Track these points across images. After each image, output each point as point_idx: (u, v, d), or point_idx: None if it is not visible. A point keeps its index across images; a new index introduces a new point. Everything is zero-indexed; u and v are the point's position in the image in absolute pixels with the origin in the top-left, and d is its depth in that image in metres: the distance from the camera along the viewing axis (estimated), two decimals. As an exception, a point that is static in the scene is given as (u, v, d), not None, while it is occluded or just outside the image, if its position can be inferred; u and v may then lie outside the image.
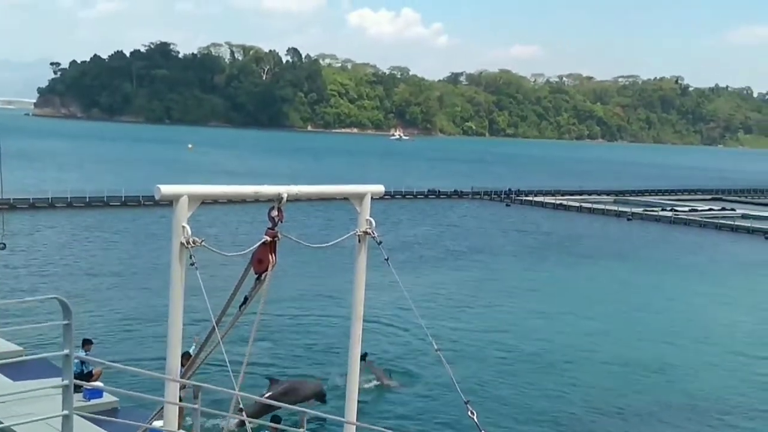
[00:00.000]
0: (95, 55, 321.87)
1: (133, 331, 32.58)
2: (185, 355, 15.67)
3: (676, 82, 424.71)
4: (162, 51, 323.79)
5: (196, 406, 9.54)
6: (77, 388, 14.60)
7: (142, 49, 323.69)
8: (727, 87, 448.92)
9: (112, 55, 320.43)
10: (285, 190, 11.19)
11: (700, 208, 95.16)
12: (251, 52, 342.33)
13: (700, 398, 28.66)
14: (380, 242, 12.56)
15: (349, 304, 13.23)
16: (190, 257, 10.20)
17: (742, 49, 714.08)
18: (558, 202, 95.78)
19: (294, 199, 11.40)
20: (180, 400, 11.85)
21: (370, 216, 12.71)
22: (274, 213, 11.09)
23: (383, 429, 12.22)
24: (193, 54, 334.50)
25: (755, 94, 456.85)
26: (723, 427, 26.23)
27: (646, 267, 56.13)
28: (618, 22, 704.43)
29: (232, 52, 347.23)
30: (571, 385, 29.29)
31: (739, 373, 31.97)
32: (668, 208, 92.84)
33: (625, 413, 26.76)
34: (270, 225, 11.11)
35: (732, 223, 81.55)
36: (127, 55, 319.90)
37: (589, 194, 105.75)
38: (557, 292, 46.62)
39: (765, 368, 32.79)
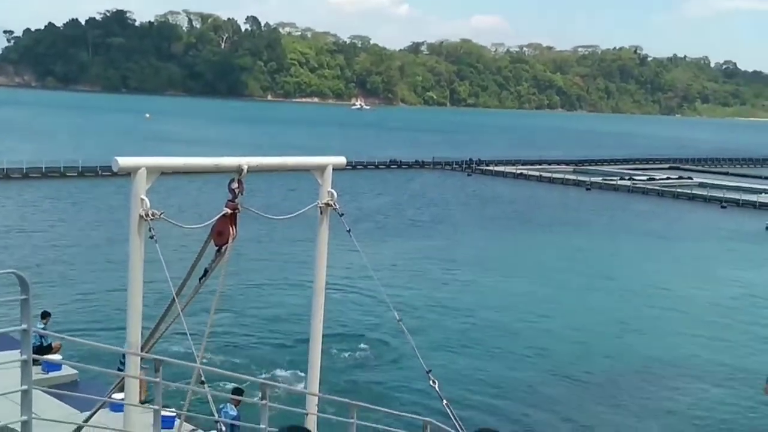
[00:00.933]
0: (50, 23, 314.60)
1: (93, 303, 32.28)
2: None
3: (635, 52, 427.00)
4: (118, 19, 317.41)
5: (157, 379, 9.48)
6: (36, 361, 14.45)
7: (98, 17, 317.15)
8: (684, 57, 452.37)
9: (67, 23, 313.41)
10: (245, 161, 11.10)
11: (658, 177, 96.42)
12: (209, 20, 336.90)
13: (656, 362, 29.24)
14: (342, 214, 12.54)
15: (312, 275, 13.21)
16: (150, 230, 10.10)
17: (699, 21, 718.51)
18: (518, 171, 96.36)
19: (254, 171, 11.31)
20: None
21: (332, 188, 12.67)
22: (234, 185, 11.02)
23: (346, 400, 12.27)
24: (150, 22, 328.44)
25: (712, 64, 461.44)
26: (679, 389, 26.80)
27: (605, 236, 56.85)
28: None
29: (190, 20, 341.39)
30: (532, 351, 29.69)
31: (693, 338, 32.65)
32: (626, 178, 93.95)
33: (585, 378, 27.21)
34: (230, 197, 11.03)
35: (689, 191, 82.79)
36: (83, 23, 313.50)
37: (549, 164, 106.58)
38: (518, 261, 47.06)
39: (719, 332, 33.50)
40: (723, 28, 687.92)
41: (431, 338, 29.77)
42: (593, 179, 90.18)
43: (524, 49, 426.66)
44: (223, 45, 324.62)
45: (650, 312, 36.42)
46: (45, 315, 21.55)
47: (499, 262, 46.01)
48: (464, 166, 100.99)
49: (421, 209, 65.57)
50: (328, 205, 12.64)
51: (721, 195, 78.47)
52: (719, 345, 31.98)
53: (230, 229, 11.03)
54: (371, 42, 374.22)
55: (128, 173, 10.17)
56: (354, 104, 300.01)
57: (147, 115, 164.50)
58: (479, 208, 68.18)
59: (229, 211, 11.00)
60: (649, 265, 47.63)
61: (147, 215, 10.04)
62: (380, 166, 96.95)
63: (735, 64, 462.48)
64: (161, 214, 10.17)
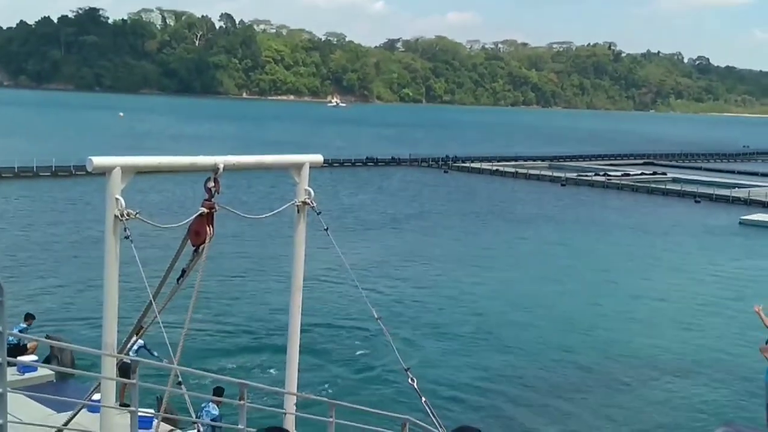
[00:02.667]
0: (21, 21, 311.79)
1: (69, 304, 31.98)
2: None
3: (609, 48, 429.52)
4: (91, 16, 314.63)
5: (133, 381, 9.40)
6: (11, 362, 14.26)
7: (70, 15, 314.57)
8: (658, 53, 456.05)
9: (39, 21, 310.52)
10: (221, 160, 11.02)
11: (632, 173, 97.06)
12: (183, 18, 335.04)
13: (631, 355, 29.41)
14: (319, 212, 12.49)
15: (289, 274, 13.15)
16: (125, 230, 10.01)
17: (672, 16, 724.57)
18: (494, 168, 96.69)
19: (231, 169, 11.24)
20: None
21: (309, 186, 12.62)
22: (211, 184, 10.93)
23: (324, 399, 12.25)
24: (123, 20, 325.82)
25: (686, 60, 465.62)
26: (653, 381, 26.98)
27: (581, 231, 57.16)
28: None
29: (164, 18, 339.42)
30: (511, 347, 29.78)
31: (667, 330, 32.91)
32: (601, 173, 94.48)
33: (562, 372, 27.32)
34: (206, 196, 10.95)
35: (663, 186, 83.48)
36: (55, 21, 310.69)
37: (525, 160, 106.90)
38: (494, 257, 47.18)
39: (693, 326, 33.77)
40: (695, 24, 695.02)
41: (410, 336, 29.79)
42: (568, 175, 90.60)
43: (499, 45, 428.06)
44: (197, 43, 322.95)
45: (626, 305, 36.64)
46: (28, 317, 21.46)
47: (477, 259, 46.10)
48: (441, 162, 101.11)
49: (398, 206, 65.58)
50: (305, 203, 12.59)
51: (695, 190, 79.10)
52: (692, 337, 32.24)
53: (207, 228, 10.95)
54: (346, 39, 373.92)
55: (103, 173, 10.07)
56: (330, 102, 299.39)
57: (120, 114, 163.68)
58: (456, 205, 68.29)
59: (206, 210, 10.92)
60: (623, 259, 47.95)
61: (122, 215, 9.95)
62: (357, 164, 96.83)
63: (708, 59, 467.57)
64: (137, 213, 10.09)
